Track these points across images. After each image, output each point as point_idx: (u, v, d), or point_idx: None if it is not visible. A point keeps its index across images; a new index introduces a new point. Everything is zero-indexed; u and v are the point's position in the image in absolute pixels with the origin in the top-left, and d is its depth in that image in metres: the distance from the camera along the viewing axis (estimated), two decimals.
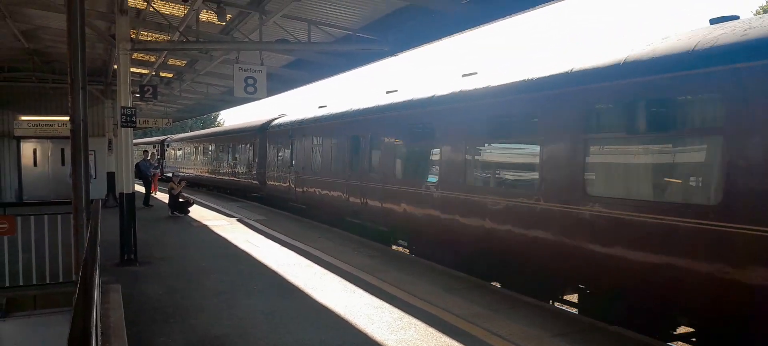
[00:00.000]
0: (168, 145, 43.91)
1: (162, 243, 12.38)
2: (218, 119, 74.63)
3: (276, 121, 21.88)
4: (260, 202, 23.05)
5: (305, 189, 17.81)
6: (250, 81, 11.46)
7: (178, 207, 17.83)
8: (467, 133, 9.60)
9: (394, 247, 12.64)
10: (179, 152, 40.75)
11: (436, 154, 10.59)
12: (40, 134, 20.91)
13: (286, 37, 12.66)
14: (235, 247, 11.99)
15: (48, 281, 8.41)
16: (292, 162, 19.12)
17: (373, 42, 12.43)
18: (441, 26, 10.85)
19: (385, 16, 11.47)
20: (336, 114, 15.79)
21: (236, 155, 26.78)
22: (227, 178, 28.15)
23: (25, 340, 8.09)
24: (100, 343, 5.01)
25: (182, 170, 36.59)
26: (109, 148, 20.68)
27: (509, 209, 8.38)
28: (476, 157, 9.58)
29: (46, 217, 8.54)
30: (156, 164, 25.12)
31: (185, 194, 19.01)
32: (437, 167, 10.46)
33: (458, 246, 9.92)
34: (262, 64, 11.96)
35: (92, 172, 16.40)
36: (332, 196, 15.48)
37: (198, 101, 27.96)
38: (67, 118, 7.18)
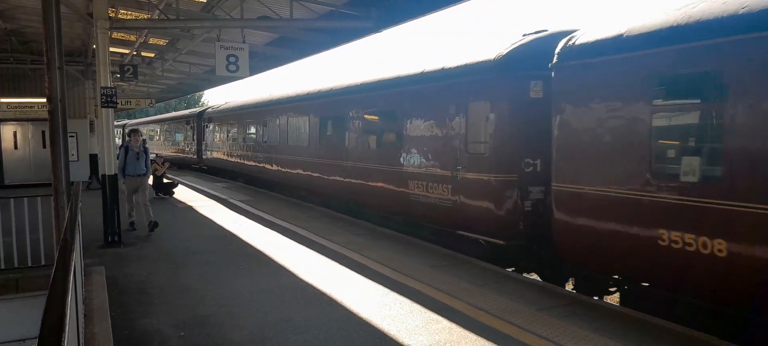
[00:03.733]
0: (210, 121, 27.24)
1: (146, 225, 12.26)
2: (202, 99, 73.65)
3: (631, 27, 6.35)
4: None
5: None
6: (232, 59, 11.30)
7: (163, 189, 17.70)
8: None
9: None
10: (231, 132, 23.92)
11: None
12: (20, 117, 20.54)
13: (268, 14, 12.46)
14: (221, 228, 11.93)
15: (30, 265, 8.34)
16: None
17: (356, 18, 12.27)
18: (426, 1, 10.72)
19: None
20: None
21: (410, 143, 10.78)
22: (374, 186, 12.13)
23: (9, 323, 8.03)
24: (82, 325, 4.97)
25: (244, 164, 21.94)
26: (91, 129, 20.39)
27: None
28: None
29: (25, 200, 8.44)
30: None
31: (170, 175, 18.85)
32: None
33: None
34: (244, 42, 11.78)
35: (74, 154, 16.01)
36: None
37: (181, 81, 27.55)
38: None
